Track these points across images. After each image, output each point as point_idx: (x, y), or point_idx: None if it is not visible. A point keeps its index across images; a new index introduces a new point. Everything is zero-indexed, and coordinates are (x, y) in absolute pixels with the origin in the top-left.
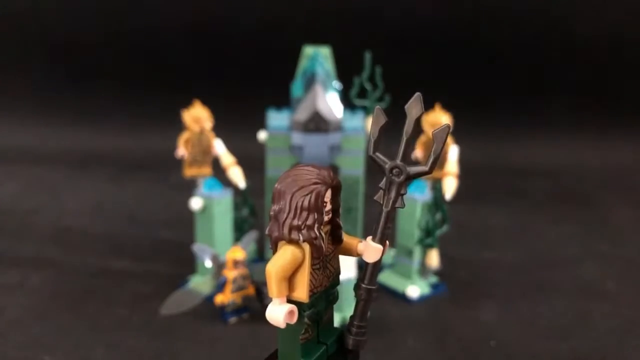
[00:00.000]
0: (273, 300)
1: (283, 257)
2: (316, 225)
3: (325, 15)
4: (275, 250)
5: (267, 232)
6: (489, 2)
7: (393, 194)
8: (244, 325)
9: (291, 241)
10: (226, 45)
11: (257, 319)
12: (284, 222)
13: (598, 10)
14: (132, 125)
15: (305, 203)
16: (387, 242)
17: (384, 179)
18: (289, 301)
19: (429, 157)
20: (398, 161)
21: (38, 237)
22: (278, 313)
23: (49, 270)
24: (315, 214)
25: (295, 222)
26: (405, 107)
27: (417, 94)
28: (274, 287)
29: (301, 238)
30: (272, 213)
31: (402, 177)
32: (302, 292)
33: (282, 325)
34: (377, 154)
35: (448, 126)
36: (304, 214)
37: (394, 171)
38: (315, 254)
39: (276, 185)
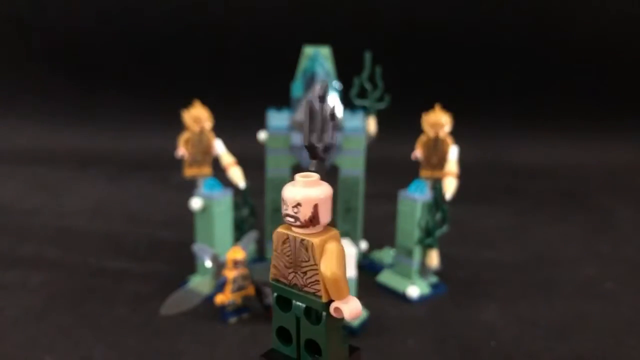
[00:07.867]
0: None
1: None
2: None
3: (325, 15)
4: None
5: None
6: (489, 2)
7: None
8: (244, 325)
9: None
10: (226, 45)
11: (257, 319)
12: None
13: (598, 10)
14: (132, 125)
15: None
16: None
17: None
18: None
19: None
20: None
21: (38, 237)
22: (357, 304)
23: (49, 270)
24: None
25: None
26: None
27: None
28: (344, 287)
29: None
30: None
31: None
32: None
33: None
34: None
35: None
36: None
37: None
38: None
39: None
